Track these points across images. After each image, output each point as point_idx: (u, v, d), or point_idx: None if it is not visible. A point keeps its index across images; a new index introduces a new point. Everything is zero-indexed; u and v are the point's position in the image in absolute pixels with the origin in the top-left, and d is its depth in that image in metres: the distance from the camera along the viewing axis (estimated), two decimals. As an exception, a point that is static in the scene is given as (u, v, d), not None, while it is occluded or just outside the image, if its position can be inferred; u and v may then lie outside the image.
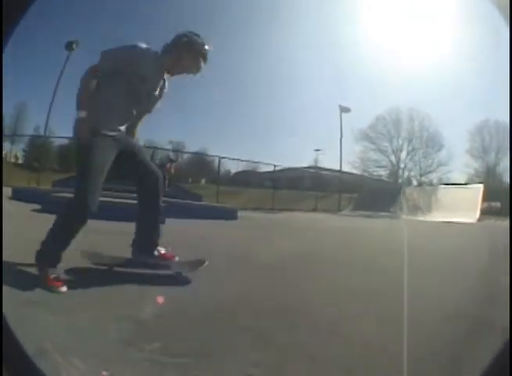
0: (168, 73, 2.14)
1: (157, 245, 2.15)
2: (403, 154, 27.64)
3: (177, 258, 2.18)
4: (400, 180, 26.89)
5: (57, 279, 1.83)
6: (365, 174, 26.48)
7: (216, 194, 13.22)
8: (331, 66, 31.66)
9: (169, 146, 26.64)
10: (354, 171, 26.25)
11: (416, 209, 15.53)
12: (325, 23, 32.31)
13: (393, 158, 27.69)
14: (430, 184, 24.09)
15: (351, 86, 35.46)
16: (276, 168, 18.22)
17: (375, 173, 26.84)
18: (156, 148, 13.98)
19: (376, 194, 17.05)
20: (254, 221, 8.01)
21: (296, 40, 33.37)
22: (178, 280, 2.04)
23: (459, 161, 35.55)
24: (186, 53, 2.06)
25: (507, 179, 28.96)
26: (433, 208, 14.98)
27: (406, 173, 27.35)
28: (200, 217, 6.05)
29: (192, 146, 38.05)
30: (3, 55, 0.95)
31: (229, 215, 6.87)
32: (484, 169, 28.29)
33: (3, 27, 0.87)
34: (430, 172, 26.47)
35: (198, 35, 2.08)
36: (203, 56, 2.08)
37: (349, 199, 18.76)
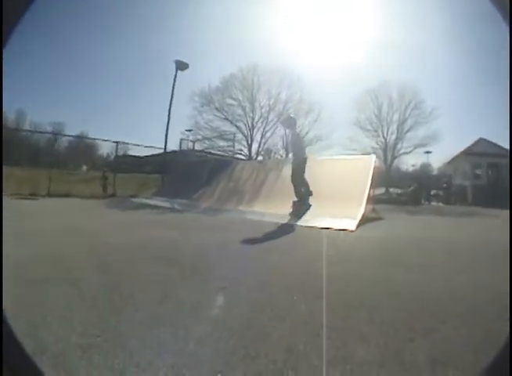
0: None
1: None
2: (262, 125, 20.67)
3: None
4: (261, 158, 19.14)
5: None
6: (212, 150, 18.95)
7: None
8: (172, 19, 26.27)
9: (50, 128, 23.89)
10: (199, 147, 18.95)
11: (242, 195, 7.51)
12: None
13: (246, 131, 20.73)
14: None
15: (191, 40, 28.20)
16: (156, 152, 15.20)
17: (225, 148, 18.91)
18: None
19: (189, 175, 10.18)
20: None
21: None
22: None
23: (341, 135, 28.51)
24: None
25: (416, 158, 22.73)
26: (282, 191, 6.43)
27: (265, 149, 20.16)
28: None
29: (72, 130, 36.20)
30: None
31: None
32: (379, 144, 21.83)
33: (3, 27, 0.86)
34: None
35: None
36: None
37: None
